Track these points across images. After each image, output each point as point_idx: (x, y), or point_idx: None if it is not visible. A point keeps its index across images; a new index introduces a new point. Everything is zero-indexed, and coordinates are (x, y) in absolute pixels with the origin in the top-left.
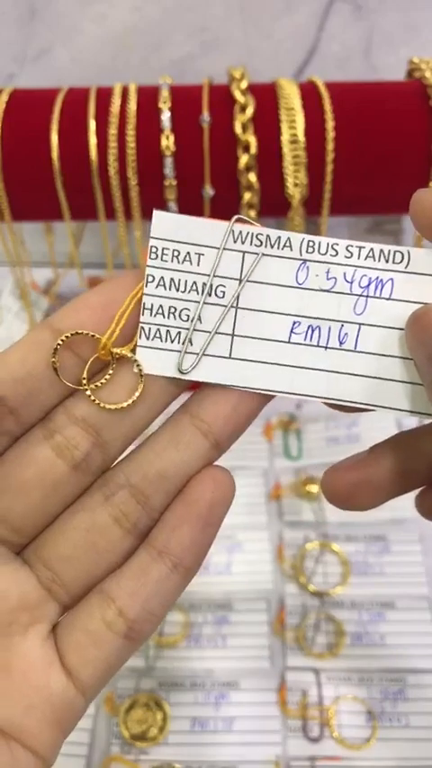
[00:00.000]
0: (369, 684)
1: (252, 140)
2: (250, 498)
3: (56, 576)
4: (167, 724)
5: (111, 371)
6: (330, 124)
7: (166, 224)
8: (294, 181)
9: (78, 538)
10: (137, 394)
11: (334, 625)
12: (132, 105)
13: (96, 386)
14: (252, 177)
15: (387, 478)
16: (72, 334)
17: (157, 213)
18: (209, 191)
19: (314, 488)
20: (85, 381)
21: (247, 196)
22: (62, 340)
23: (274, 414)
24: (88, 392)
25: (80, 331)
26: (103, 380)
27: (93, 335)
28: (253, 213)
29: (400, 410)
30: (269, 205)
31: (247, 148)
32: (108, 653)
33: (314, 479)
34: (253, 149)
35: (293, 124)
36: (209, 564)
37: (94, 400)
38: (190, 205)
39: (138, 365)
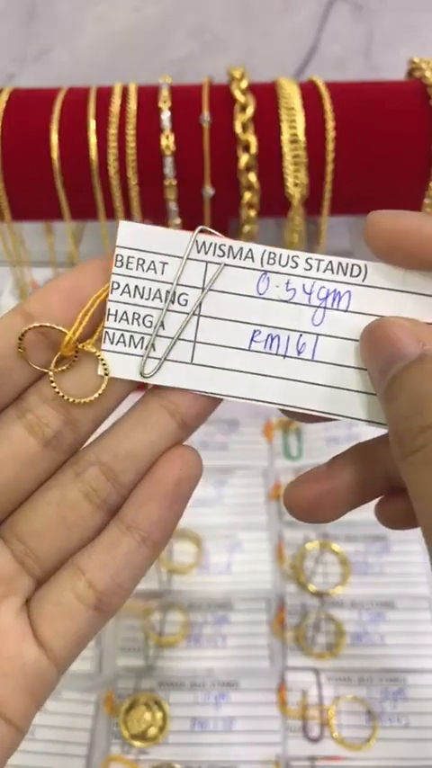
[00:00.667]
0: (369, 684)
1: (252, 140)
2: (250, 498)
3: (29, 549)
4: (167, 724)
5: (75, 358)
6: (330, 124)
7: (132, 233)
8: (294, 181)
9: (50, 513)
10: (100, 391)
11: (334, 625)
12: (132, 105)
13: (63, 370)
14: (252, 177)
15: (348, 490)
16: (38, 326)
17: (122, 223)
18: (209, 190)
19: None
20: (51, 373)
21: (247, 196)
22: (26, 330)
23: (274, 414)
24: (53, 381)
25: (46, 324)
26: (69, 365)
27: (60, 329)
28: (253, 213)
29: (355, 419)
30: (269, 205)
31: (247, 148)
32: (79, 624)
33: None
34: (253, 149)
35: (294, 124)
36: (209, 564)
37: (58, 392)
38: (190, 205)
39: (103, 364)
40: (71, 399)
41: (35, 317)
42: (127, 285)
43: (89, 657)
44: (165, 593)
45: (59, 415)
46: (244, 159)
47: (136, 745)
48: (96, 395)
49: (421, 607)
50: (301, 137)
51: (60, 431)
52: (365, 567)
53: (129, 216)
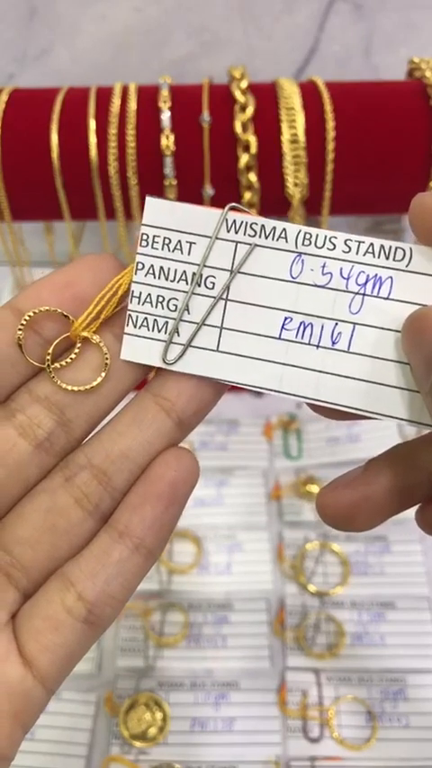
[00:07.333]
0: (369, 684)
1: (252, 140)
2: (250, 498)
3: (15, 560)
4: (167, 724)
5: (75, 352)
6: (330, 124)
7: (159, 211)
8: (294, 180)
9: (38, 519)
10: (99, 379)
11: (334, 625)
12: (132, 105)
13: (61, 365)
14: (252, 177)
15: (386, 495)
16: (43, 311)
17: (149, 199)
18: (209, 190)
19: (314, 488)
20: (48, 361)
21: (247, 196)
22: (30, 315)
23: (274, 414)
24: (51, 371)
25: (53, 308)
26: (68, 360)
27: (65, 315)
28: (253, 213)
29: (393, 417)
30: (269, 205)
31: (247, 148)
32: (67, 639)
33: (314, 479)
34: (253, 149)
35: (294, 124)
36: (209, 564)
37: (55, 380)
38: None
39: (105, 352)
40: (70, 387)
41: (27, 313)
42: (152, 266)
43: (89, 658)
44: (165, 593)
45: (52, 416)
46: (244, 159)
47: (136, 746)
48: (99, 380)
49: (421, 607)
50: (301, 137)
51: (53, 431)
52: (365, 568)
53: (129, 216)
